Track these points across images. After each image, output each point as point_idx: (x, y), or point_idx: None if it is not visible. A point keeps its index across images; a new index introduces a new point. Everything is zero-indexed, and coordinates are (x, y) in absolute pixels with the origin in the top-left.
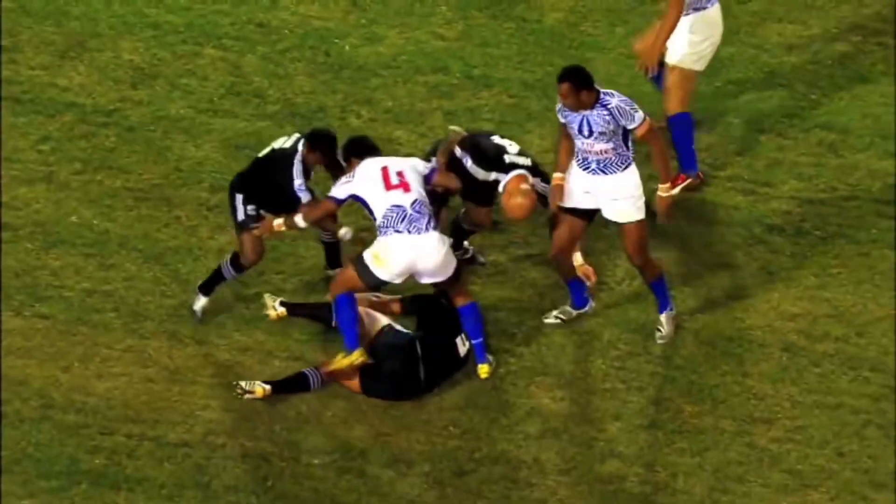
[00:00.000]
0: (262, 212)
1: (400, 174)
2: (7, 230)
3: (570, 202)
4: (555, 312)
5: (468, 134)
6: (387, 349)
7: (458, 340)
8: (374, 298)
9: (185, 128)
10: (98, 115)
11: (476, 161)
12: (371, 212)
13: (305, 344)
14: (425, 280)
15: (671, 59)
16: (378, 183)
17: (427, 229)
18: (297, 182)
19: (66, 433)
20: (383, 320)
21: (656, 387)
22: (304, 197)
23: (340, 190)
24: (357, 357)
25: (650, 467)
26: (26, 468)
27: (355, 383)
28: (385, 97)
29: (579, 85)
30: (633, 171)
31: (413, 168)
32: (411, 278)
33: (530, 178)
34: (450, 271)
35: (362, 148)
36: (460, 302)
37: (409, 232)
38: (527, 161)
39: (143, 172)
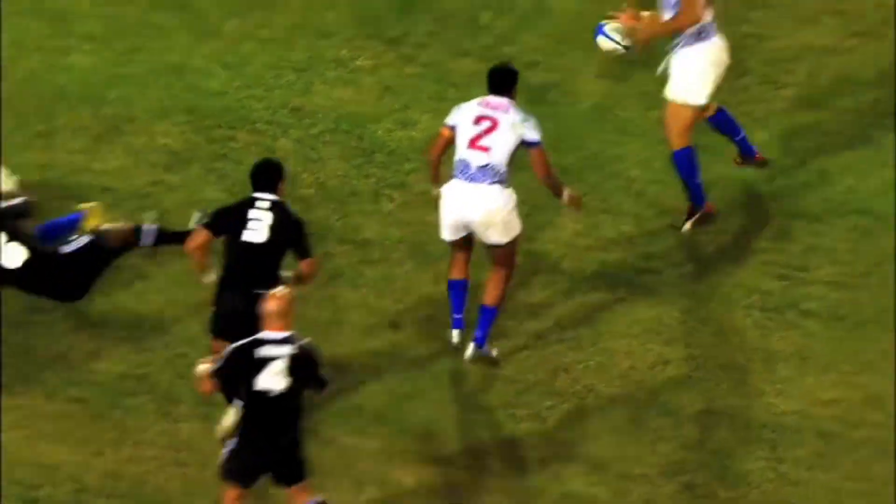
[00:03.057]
0: None
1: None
2: (41, 313)
3: None
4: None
5: None
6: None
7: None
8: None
9: None
10: (132, 199)
11: None
12: None
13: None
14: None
15: (675, 95)
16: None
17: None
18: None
19: None
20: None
21: (690, 472)
22: None
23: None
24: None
25: None
26: None
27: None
28: (418, 181)
29: None
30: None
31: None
32: None
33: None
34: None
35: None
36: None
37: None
38: None
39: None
